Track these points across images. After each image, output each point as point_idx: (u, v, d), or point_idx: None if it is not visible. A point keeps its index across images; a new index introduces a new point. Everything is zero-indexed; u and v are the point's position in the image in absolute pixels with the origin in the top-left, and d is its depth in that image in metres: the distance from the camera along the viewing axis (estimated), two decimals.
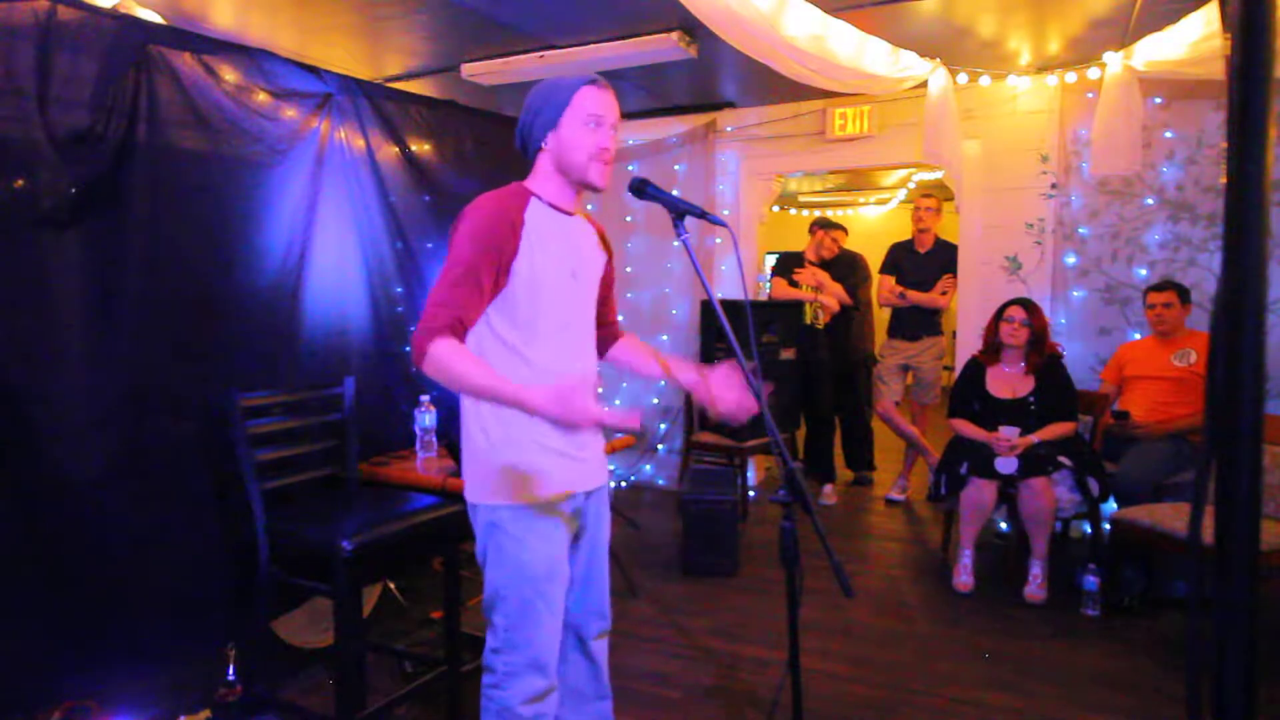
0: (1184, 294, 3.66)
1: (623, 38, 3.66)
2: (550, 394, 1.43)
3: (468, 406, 1.74)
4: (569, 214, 1.75)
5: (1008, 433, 3.46)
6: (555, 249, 1.69)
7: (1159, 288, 3.70)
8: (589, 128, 1.66)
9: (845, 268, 4.97)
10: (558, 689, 1.79)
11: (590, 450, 1.80)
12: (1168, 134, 3.99)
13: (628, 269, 5.31)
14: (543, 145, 1.70)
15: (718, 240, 5.09)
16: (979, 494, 3.48)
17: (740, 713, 2.56)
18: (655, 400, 5.33)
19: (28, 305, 2.17)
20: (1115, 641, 3.02)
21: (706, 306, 4.69)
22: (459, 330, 1.55)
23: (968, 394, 3.75)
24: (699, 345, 4.81)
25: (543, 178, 1.73)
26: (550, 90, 1.69)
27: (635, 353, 1.97)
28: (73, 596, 2.25)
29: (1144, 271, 4.05)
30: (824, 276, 4.88)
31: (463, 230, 1.61)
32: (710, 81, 4.56)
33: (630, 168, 5.21)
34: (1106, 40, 3.70)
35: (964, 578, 3.52)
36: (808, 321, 4.85)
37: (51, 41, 2.17)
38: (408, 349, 3.34)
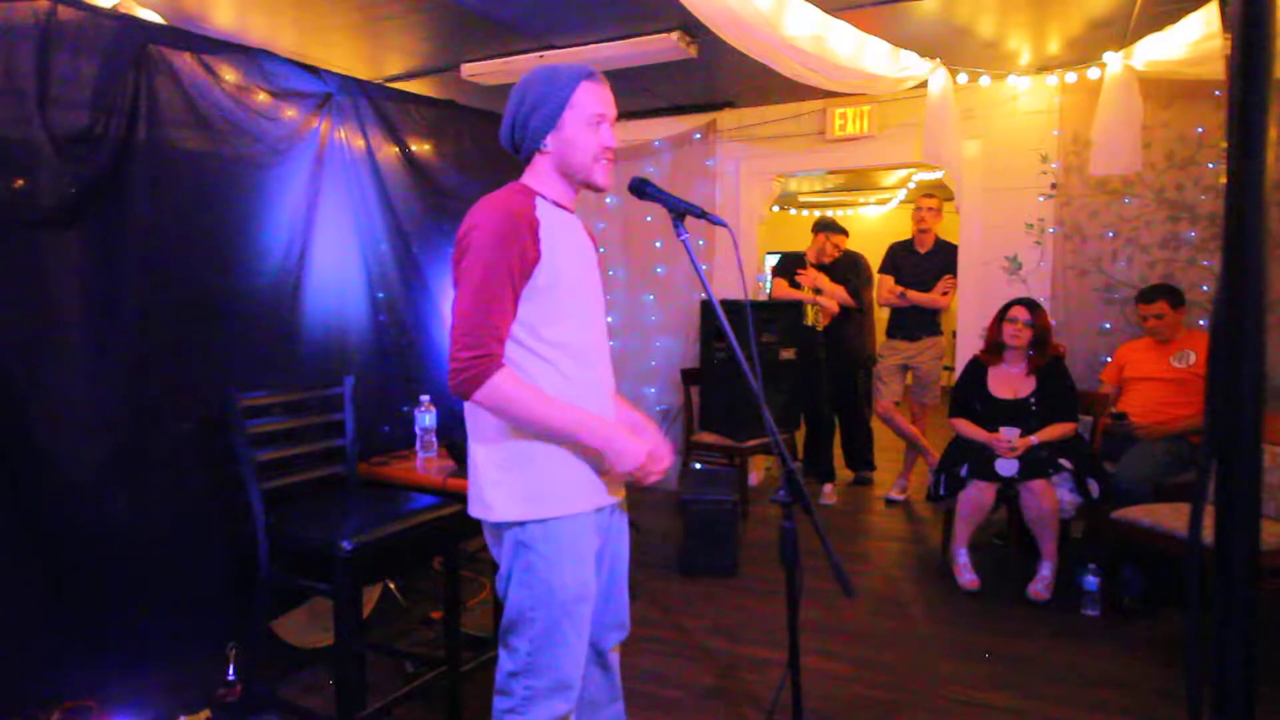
0: (1175, 299, 3.63)
1: (623, 38, 3.66)
2: (610, 441, 1.57)
3: (496, 420, 1.62)
4: (570, 211, 1.71)
5: (1008, 434, 3.46)
6: (570, 248, 1.64)
7: (1147, 299, 3.67)
8: (592, 127, 1.62)
9: (847, 269, 4.97)
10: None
11: None
12: (1168, 134, 3.99)
13: (630, 269, 5.32)
14: (543, 148, 1.63)
15: (718, 240, 5.09)
16: (979, 495, 3.48)
17: (740, 713, 2.55)
18: (657, 406, 5.33)
19: (28, 305, 2.17)
20: (1115, 641, 3.02)
21: (706, 306, 4.68)
22: (502, 351, 1.54)
23: (969, 394, 3.75)
24: (699, 345, 4.82)
25: (542, 177, 1.67)
26: (546, 85, 1.61)
27: None
28: (73, 596, 2.25)
29: (1144, 271, 4.05)
30: (824, 280, 4.88)
31: (479, 240, 1.52)
32: (710, 81, 4.55)
33: (630, 168, 5.21)
34: (1106, 40, 3.70)
35: (968, 576, 3.51)
36: (809, 323, 4.85)
37: (51, 41, 2.17)
38: (406, 341, 3.33)
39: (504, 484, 1.62)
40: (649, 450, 1.62)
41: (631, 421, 1.79)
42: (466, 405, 1.64)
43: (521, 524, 1.60)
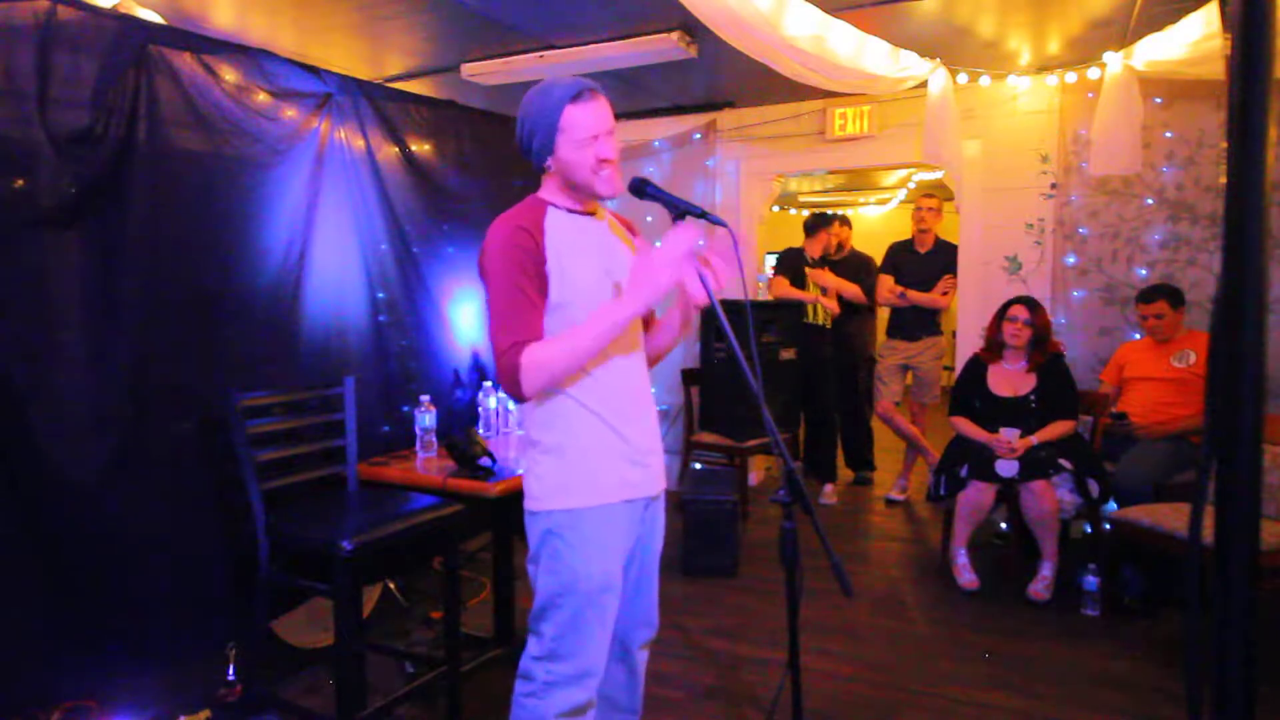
0: (1175, 299, 3.63)
1: (623, 38, 3.65)
2: (634, 284, 1.55)
3: (531, 416, 1.71)
4: (590, 213, 1.74)
5: (1009, 434, 3.46)
6: (584, 250, 1.67)
7: (1147, 299, 3.67)
8: (586, 147, 1.63)
9: (857, 268, 4.97)
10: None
11: (654, 457, 1.78)
12: (1168, 134, 3.99)
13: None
14: (547, 169, 1.68)
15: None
16: (978, 495, 3.48)
17: (740, 713, 2.55)
18: (657, 406, 5.32)
19: (28, 305, 2.17)
20: (1115, 641, 3.02)
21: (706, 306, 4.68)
22: (530, 338, 1.58)
23: (969, 392, 3.75)
24: (699, 345, 4.81)
25: (554, 189, 1.72)
26: (539, 109, 1.63)
27: (657, 331, 1.90)
28: (73, 596, 2.25)
29: (1144, 271, 4.05)
30: (829, 277, 4.88)
31: (491, 257, 1.61)
32: (710, 81, 4.55)
33: (630, 168, 5.21)
34: (1106, 40, 3.69)
35: (968, 576, 3.52)
36: (819, 322, 4.85)
37: (51, 41, 2.17)
38: (406, 341, 3.33)
39: (539, 474, 1.70)
40: (664, 258, 1.56)
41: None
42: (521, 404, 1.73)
43: (550, 512, 1.67)
